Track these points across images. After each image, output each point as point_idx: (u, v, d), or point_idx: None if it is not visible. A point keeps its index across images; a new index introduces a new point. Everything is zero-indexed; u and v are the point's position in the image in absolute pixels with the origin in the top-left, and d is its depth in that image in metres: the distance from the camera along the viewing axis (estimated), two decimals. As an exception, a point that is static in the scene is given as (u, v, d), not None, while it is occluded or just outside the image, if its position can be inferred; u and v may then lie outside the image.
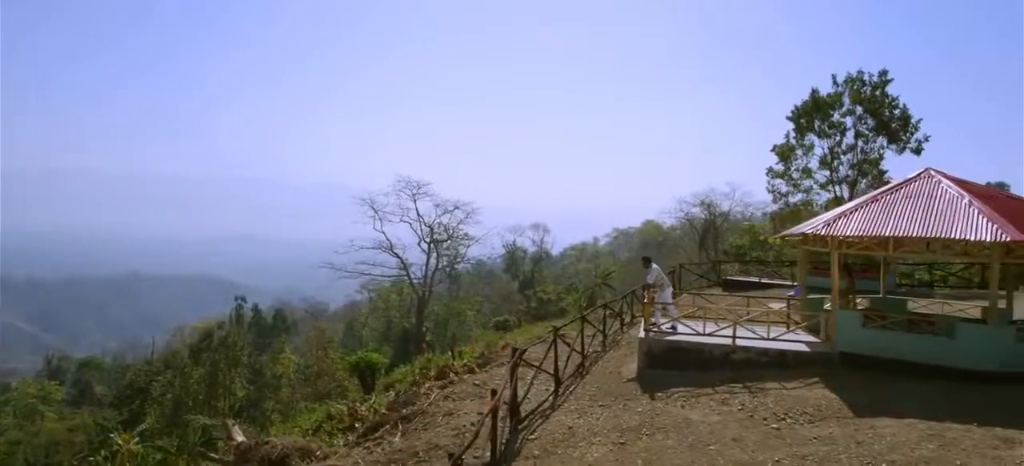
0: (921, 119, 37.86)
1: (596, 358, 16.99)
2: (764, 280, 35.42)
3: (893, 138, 38.55)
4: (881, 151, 39.27)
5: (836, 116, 39.87)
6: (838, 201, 40.11)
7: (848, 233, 13.00)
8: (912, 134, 38.24)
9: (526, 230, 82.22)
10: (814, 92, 40.22)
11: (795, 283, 33.06)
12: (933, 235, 12.28)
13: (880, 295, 17.57)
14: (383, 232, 50.88)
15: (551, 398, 13.43)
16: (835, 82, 39.88)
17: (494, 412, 9.47)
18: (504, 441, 10.60)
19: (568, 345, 15.12)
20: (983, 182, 16.54)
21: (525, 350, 12.21)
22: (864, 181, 40.06)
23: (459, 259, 58.88)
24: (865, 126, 39.20)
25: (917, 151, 38.00)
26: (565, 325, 15.06)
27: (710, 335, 14.39)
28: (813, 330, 14.66)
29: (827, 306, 15.79)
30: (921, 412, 10.62)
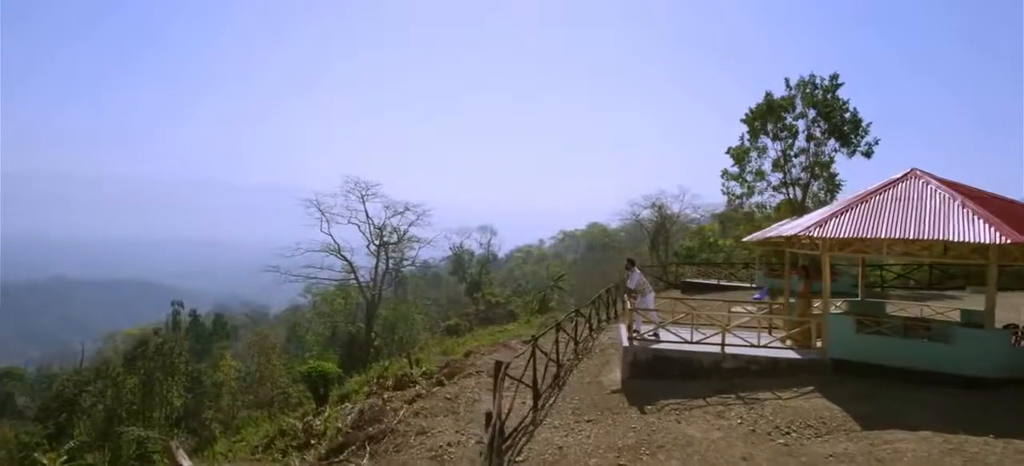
0: (871, 122, 38.42)
1: (571, 367, 16.12)
2: (722, 282, 35.40)
3: (844, 141, 39.03)
4: (833, 154, 39.74)
5: (789, 119, 40.18)
6: (791, 203, 40.47)
7: (842, 235, 12.42)
8: (862, 137, 38.78)
9: (473, 232, 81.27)
10: (768, 95, 40.43)
11: (753, 286, 33.26)
12: (930, 237, 11.81)
13: (859, 298, 17.21)
14: (330, 234, 49.19)
15: (531, 413, 12.46)
16: (788, 85, 40.18)
17: (492, 441, 8.41)
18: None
19: (545, 354, 14.21)
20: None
21: (509, 363, 11.19)
22: (816, 184, 40.49)
23: (406, 261, 57.38)
24: (817, 129, 39.60)
25: (868, 154, 38.53)
26: (542, 334, 14.10)
27: (698, 343, 13.63)
28: (806, 336, 14.08)
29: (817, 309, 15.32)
30: (932, 423, 10.04)
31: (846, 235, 12.51)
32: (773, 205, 42.53)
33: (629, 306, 14.54)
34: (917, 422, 10.14)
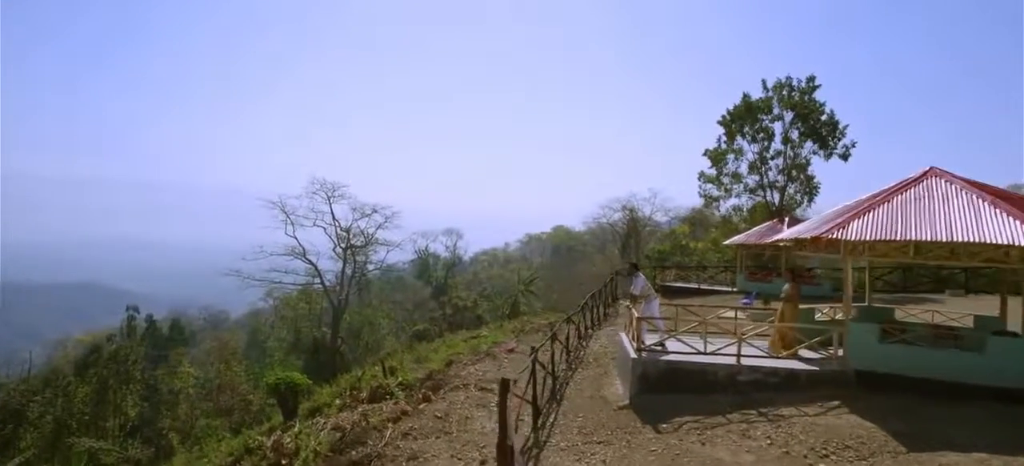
0: (848, 125, 38.28)
1: (566, 379, 14.98)
2: (702, 286, 34.64)
3: (821, 143, 38.79)
4: (810, 156, 39.51)
5: (766, 121, 39.81)
6: (767, 206, 40.07)
7: (869, 237, 11.47)
8: (839, 140, 38.61)
9: (438, 235, 79.46)
10: (746, 97, 40.02)
11: (735, 290, 32.51)
12: (963, 240, 10.95)
13: (866, 303, 16.40)
14: (295, 237, 47.31)
15: (532, 433, 11.27)
16: (765, 87, 39.86)
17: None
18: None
19: (542, 366, 13.03)
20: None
21: (515, 380, 9.96)
22: (793, 186, 40.19)
23: (371, 265, 55.69)
24: (795, 131, 39.29)
25: (845, 157, 38.37)
26: (540, 346, 12.89)
27: (713, 354, 12.56)
28: (826, 344, 13.12)
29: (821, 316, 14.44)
30: (981, 443, 9.17)
31: (873, 237, 11.57)
32: (749, 207, 42.14)
33: (635, 313, 13.40)
34: (966, 442, 9.25)
